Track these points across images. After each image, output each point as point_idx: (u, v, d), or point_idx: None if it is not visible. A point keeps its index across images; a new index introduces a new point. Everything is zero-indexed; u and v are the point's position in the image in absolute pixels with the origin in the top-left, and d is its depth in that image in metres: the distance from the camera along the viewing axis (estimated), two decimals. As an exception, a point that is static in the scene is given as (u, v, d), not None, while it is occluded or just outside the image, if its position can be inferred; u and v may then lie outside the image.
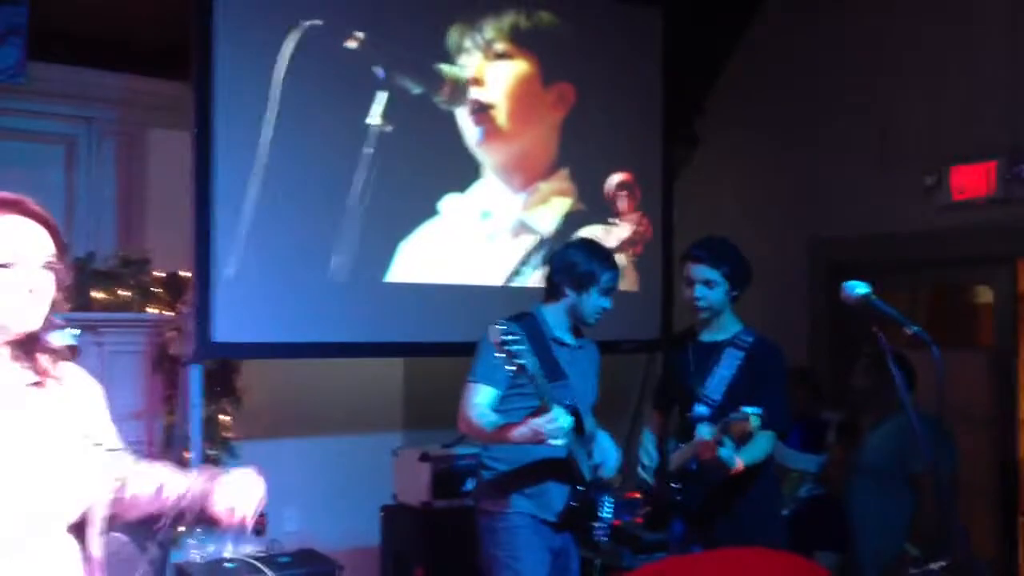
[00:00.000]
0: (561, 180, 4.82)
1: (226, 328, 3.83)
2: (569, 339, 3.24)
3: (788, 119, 5.21)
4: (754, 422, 2.81)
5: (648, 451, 3.35)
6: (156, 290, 4.37)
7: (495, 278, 4.58)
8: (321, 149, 4.10)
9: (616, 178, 4.98)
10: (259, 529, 4.12)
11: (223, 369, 4.37)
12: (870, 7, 4.90)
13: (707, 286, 3.16)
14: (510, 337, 2.73)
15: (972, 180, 4.40)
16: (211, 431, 4.27)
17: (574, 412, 2.96)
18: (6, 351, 1.67)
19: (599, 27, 4.96)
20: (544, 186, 4.77)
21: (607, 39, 4.99)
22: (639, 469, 3.40)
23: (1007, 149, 4.31)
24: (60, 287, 1.69)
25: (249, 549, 4.20)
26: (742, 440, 2.91)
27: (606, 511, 3.14)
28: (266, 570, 3.75)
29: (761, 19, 5.42)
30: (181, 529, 4.08)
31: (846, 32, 4.97)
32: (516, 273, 4.68)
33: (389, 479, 4.51)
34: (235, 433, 4.42)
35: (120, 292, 4.26)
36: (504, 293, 4.54)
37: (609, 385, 5.19)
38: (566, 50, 4.82)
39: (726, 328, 3.23)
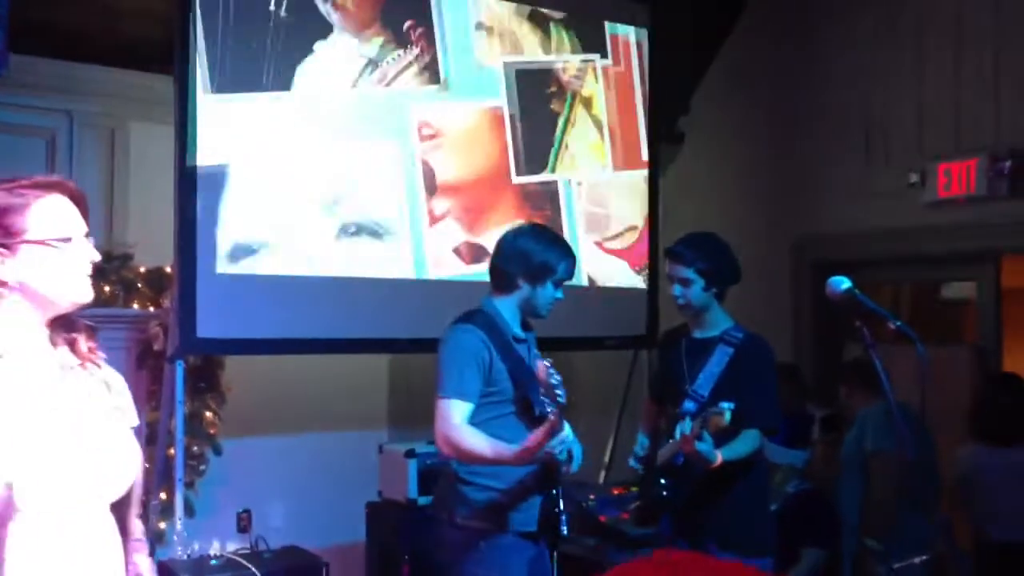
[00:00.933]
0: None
1: (210, 324, 3.80)
2: (522, 334, 3.07)
3: (773, 117, 5.23)
4: (726, 417, 2.83)
5: (636, 451, 3.35)
6: (139, 285, 4.34)
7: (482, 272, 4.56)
8: (309, 141, 4.07)
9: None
10: (244, 526, 4.15)
11: (207, 365, 4.35)
12: (854, 6, 4.92)
13: (683, 284, 3.17)
14: (552, 370, 2.62)
15: (956, 177, 4.43)
16: (195, 427, 4.25)
17: None
18: (44, 332, 1.73)
19: (586, 22, 4.95)
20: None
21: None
22: (631, 461, 3.39)
23: (990, 147, 4.34)
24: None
25: (234, 546, 4.18)
26: (719, 435, 2.90)
27: (561, 504, 2.96)
28: (251, 567, 3.73)
29: (746, 17, 5.43)
30: (162, 525, 4.07)
31: (831, 30, 4.99)
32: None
33: (375, 475, 4.50)
34: (219, 430, 4.40)
35: (103, 287, 4.23)
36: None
37: (596, 381, 5.24)
38: None
39: (716, 325, 3.24)
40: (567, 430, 2.69)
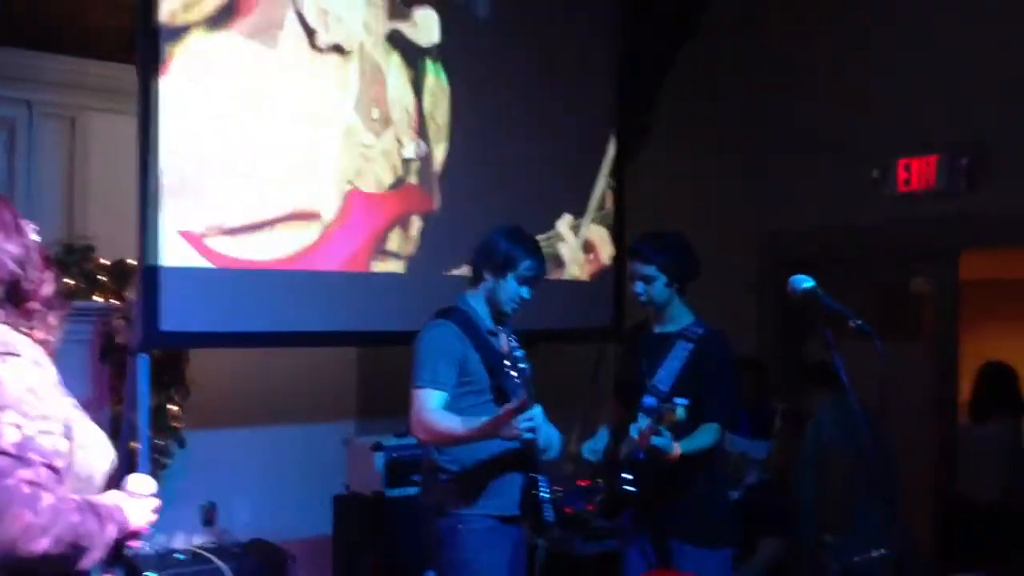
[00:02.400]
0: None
1: (173, 317, 3.77)
2: (492, 326, 3.16)
3: (738, 112, 5.27)
4: (679, 413, 2.90)
5: (595, 444, 3.38)
6: (102, 278, 4.29)
7: (452, 267, 4.57)
8: (269, 132, 4.03)
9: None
10: (209, 519, 4.13)
11: (172, 358, 4.31)
12: (815, 2, 4.97)
13: (645, 282, 3.22)
14: (514, 343, 2.74)
15: (917, 173, 4.50)
16: (160, 421, 4.21)
17: None
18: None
19: (554, 12, 4.96)
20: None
21: (562, 25, 4.99)
22: (584, 451, 3.43)
23: (951, 143, 4.41)
24: None
25: (200, 540, 4.16)
26: (675, 430, 2.95)
27: (544, 491, 3.10)
28: (217, 561, 3.73)
29: (711, 12, 5.46)
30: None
31: (795, 27, 5.04)
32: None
33: (342, 469, 4.50)
34: (184, 423, 4.37)
35: (65, 280, 4.17)
36: (457, 283, 4.54)
37: (563, 373, 5.26)
38: (521, 34, 4.81)
39: (677, 320, 3.28)
40: (537, 411, 2.80)
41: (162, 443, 4.30)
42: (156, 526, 3.97)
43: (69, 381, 4.36)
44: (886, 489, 2.81)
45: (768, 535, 3.98)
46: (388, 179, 4.38)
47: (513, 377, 2.85)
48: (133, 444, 3.97)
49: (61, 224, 4.52)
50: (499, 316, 3.17)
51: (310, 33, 4.11)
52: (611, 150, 5.20)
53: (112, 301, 4.26)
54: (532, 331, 4.65)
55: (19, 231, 1.73)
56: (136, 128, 3.75)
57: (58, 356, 4.29)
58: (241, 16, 3.90)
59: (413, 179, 4.47)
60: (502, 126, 4.70)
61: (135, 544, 1.77)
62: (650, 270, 3.19)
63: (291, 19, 4.05)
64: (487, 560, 3.02)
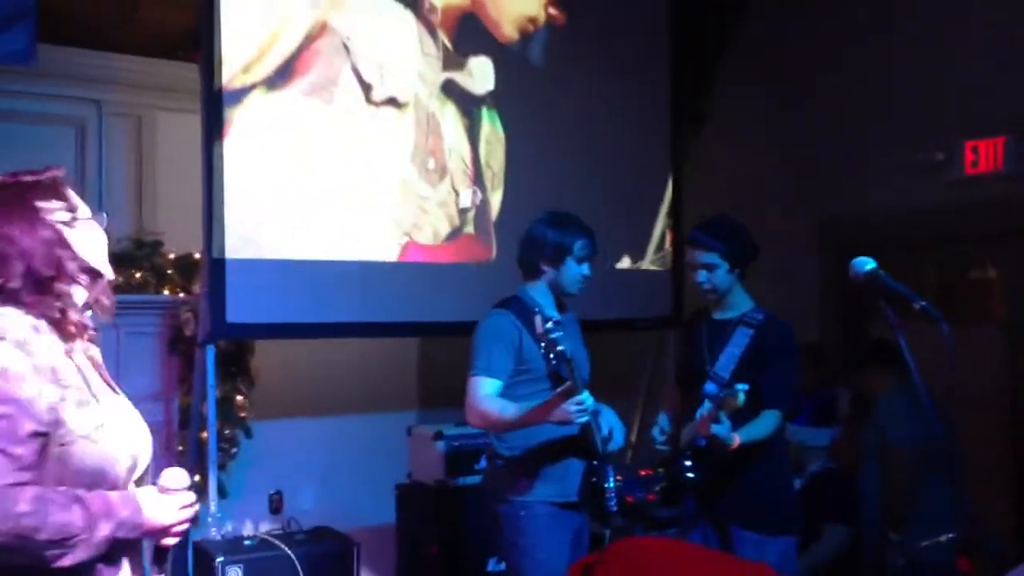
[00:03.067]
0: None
1: (239, 309, 3.85)
2: (557, 315, 3.20)
3: (796, 96, 5.19)
4: (740, 398, 2.88)
5: (661, 427, 3.37)
6: (170, 272, 4.40)
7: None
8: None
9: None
10: (276, 507, 4.21)
11: (237, 350, 4.41)
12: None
13: (707, 269, 3.20)
14: (550, 326, 2.72)
15: (984, 155, 4.39)
16: (227, 411, 4.31)
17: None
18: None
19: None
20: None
21: (615, 16, 4.97)
22: (654, 445, 3.42)
23: (1017, 124, 4.29)
24: None
25: (267, 527, 4.25)
26: (735, 416, 2.94)
27: (611, 480, 3.12)
28: (284, 547, 3.80)
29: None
30: (197, 507, 4.14)
31: (856, 7, 4.94)
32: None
33: (404, 458, 4.55)
34: (250, 413, 4.46)
35: (135, 274, 4.29)
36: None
37: (622, 363, 5.25)
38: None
39: (737, 306, 3.26)
40: (587, 396, 2.81)
41: (230, 433, 4.41)
42: (224, 513, 4.05)
43: (139, 373, 4.49)
44: (953, 472, 2.75)
45: (833, 522, 3.93)
46: (445, 229, 4.41)
47: (561, 360, 2.83)
48: (203, 434, 4.07)
49: (130, 220, 4.64)
50: (561, 304, 3.22)
51: (366, 88, 4.15)
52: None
53: (180, 294, 4.37)
54: (592, 320, 4.68)
55: (38, 220, 1.68)
56: (200, 124, 3.84)
57: (128, 349, 4.41)
58: (299, 75, 3.97)
59: (470, 228, 4.49)
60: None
61: (167, 542, 1.72)
62: (712, 257, 3.17)
63: (347, 75, 4.09)
64: (547, 545, 3.05)
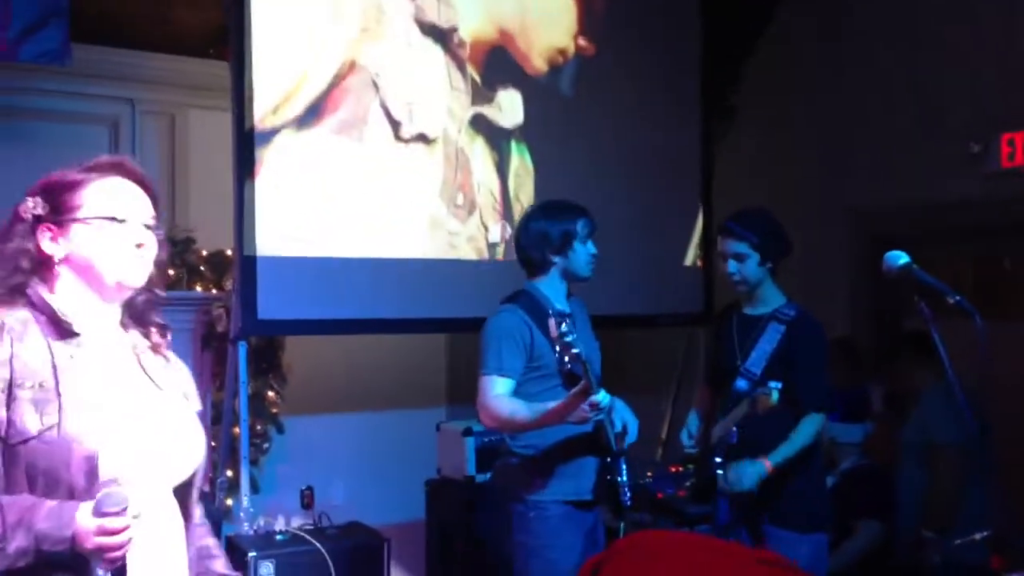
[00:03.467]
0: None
1: (271, 305, 3.87)
2: (566, 307, 3.16)
3: (827, 87, 5.13)
4: (774, 397, 2.86)
5: (689, 431, 3.35)
6: (202, 268, 4.44)
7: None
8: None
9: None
10: (307, 502, 4.24)
11: (269, 346, 4.44)
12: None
13: (738, 260, 3.17)
14: (565, 328, 2.65)
15: (1020, 148, 4.32)
16: (258, 407, 4.35)
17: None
18: (113, 313, 1.76)
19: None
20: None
21: (645, 40, 4.94)
22: (683, 437, 3.40)
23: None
24: (158, 254, 1.79)
25: (298, 522, 4.28)
26: (768, 414, 2.92)
27: (624, 475, 3.08)
28: (315, 542, 3.82)
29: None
30: (229, 502, 4.18)
31: (887, -1, 4.88)
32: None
33: (433, 453, 4.56)
34: (281, 409, 4.50)
35: (167, 270, 4.33)
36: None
37: (652, 358, 5.24)
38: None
39: (768, 301, 3.23)
40: (602, 395, 2.75)
41: (261, 429, 4.44)
42: (256, 508, 4.07)
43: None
44: (987, 469, 2.71)
45: (867, 518, 3.89)
46: (473, 264, 4.41)
47: (576, 361, 2.78)
48: (235, 429, 4.11)
49: (163, 217, 4.68)
50: (568, 292, 3.19)
51: (395, 125, 4.15)
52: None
53: (212, 290, 4.41)
54: (623, 316, 4.67)
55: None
56: (231, 122, 3.87)
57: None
58: (328, 114, 3.97)
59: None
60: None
61: (103, 567, 1.53)
62: (743, 247, 3.15)
63: (376, 113, 4.09)
64: (558, 547, 2.98)
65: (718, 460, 3.08)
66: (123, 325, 1.79)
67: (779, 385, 2.87)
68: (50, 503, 1.53)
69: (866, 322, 4.96)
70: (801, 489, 3.14)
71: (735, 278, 3.20)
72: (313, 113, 3.94)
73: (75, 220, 1.70)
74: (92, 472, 1.57)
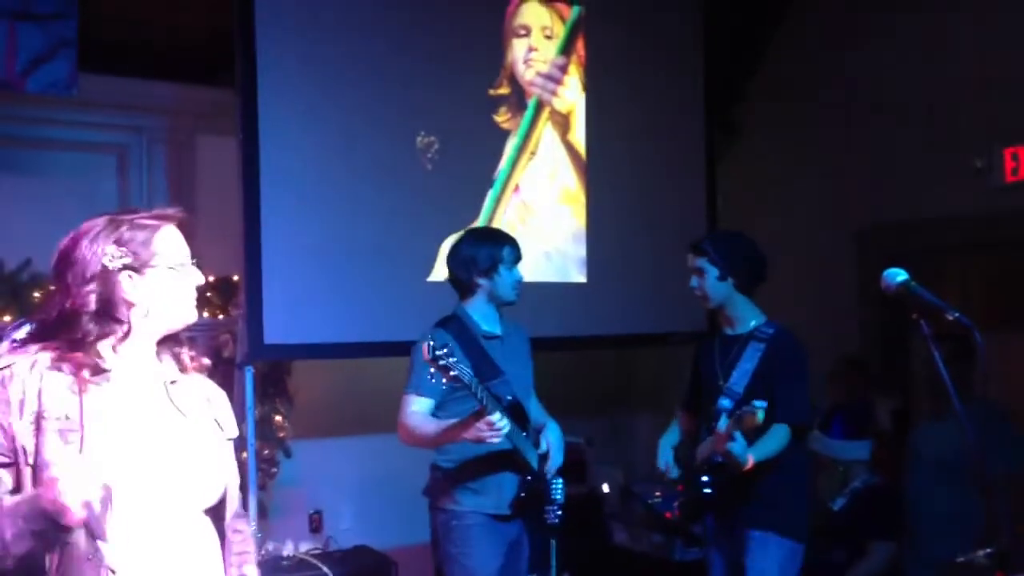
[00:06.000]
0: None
1: (277, 330, 3.90)
2: (498, 330, 3.27)
3: (832, 103, 5.14)
4: (759, 416, 2.88)
5: (665, 458, 3.35)
6: (208, 294, 4.45)
7: (540, 275, 4.59)
8: (367, 152, 4.14)
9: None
10: (316, 527, 4.23)
11: (274, 370, 4.45)
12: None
13: (697, 274, 3.24)
14: (440, 352, 2.70)
15: (1024, 162, 4.33)
16: (266, 431, 4.34)
17: (515, 407, 3.07)
18: (152, 349, 1.84)
19: (640, 12, 4.95)
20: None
21: (648, 25, 4.97)
22: (662, 472, 3.40)
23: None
24: None
25: (306, 546, 4.27)
26: (752, 433, 2.94)
27: (559, 494, 3.19)
28: (323, 567, 3.82)
29: (801, 1, 5.36)
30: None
31: (891, 14, 4.90)
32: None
33: (440, 476, 4.53)
34: (289, 433, 4.49)
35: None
36: (552, 289, 4.56)
37: (658, 376, 5.22)
38: (606, 36, 4.81)
39: (745, 321, 3.27)
40: (498, 417, 2.83)
41: (269, 453, 4.44)
42: (265, 533, 4.04)
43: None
44: (989, 485, 2.68)
45: (879, 539, 3.84)
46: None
47: (504, 382, 2.91)
48: (242, 454, 4.11)
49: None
50: (503, 317, 3.27)
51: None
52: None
53: (218, 316, 4.42)
54: (627, 334, 4.67)
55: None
56: (238, 149, 3.89)
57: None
58: None
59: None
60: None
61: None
62: (701, 262, 3.21)
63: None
64: (477, 555, 3.13)
65: (704, 479, 3.09)
66: (158, 356, 1.87)
67: (764, 404, 2.89)
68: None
69: (874, 338, 4.94)
70: (774, 494, 3.12)
71: (697, 293, 3.27)
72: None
73: (152, 267, 1.80)
74: (107, 500, 1.64)
